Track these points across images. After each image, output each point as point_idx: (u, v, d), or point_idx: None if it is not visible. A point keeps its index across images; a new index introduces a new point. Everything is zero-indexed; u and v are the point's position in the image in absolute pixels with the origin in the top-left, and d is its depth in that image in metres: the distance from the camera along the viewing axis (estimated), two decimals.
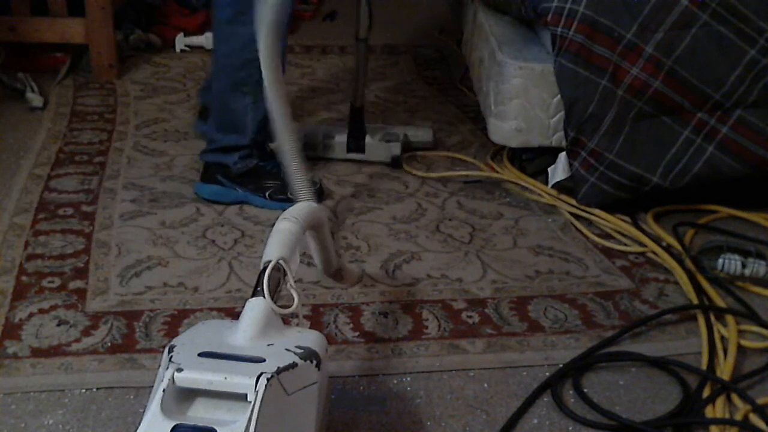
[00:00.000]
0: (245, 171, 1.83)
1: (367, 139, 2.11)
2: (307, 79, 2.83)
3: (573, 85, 1.78)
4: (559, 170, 1.89)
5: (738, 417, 1.24)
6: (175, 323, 1.41)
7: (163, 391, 0.83)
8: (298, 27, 3.46)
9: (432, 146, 2.23)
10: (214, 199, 1.85)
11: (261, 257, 1.08)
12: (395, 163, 2.10)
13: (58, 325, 1.38)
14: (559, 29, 1.77)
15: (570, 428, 1.22)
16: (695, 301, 1.53)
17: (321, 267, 1.53)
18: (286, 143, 1.42)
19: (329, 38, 3.32)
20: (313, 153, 2.10)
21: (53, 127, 2.25)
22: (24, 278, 1.51)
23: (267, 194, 1.83)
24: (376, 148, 2.11)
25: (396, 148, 2.10)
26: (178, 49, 2.98)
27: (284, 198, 1.80)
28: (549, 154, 1.96)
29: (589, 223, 1.85)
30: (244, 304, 0.99)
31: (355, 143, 2.11)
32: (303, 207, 1.21)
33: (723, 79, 1.78)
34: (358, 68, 2.04)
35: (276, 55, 1.35)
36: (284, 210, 1.50)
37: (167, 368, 0.85)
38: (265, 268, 1.03)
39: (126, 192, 1.88)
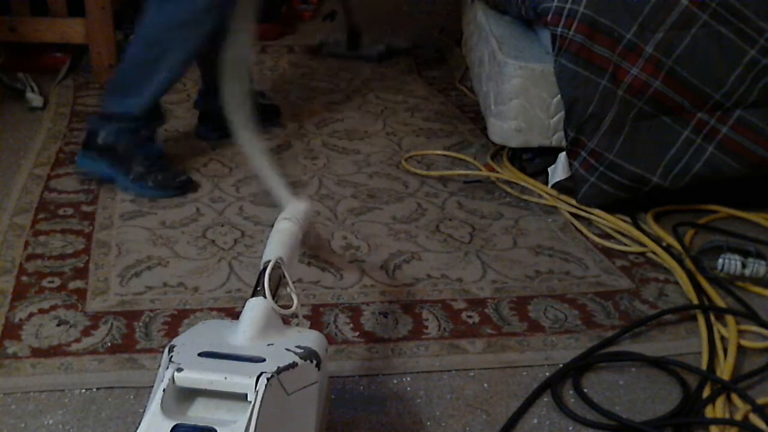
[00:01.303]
0: (110, 145, 1.85)
1: (362, 43, 3.08)
2: (307, 79, 2.83)
3: (573, 85, 1.78)
4: (559, 170, 1.89)
5: (738, 417, 1.24)
6: (175, 323, 1.41)
7: (163, 390, 0.83)
8: (298, 27, 3.46)
9: (409, 51, 3.14)
10: (89, 170, 1.88)
11: (261, 257, 1.08)
12: (380, 58, 3.04)
13: (58, 325, 1.38)
14: (559, 29, 1.77)
15: (570, 428, 1.22)
16: (695, 301, 1.53)
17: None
18: (254, 150, 1.38)
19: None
20: (325, 50, 3.11)
21: (53, 127, 2.25)
22: (24, 278, 1.51)
23: (131, 177, 1.85)
24: (367, 48, 3.07)
25: (381, 48, 3.07)
26: None
27: (144, 184, 1.85)
28: (549, 154, 1.96)
29: (589, 223, 1.85)
30: (244, 304, 0.99)
31: (353, 44, 3.07)
32: (300, 207, 1.20)
33: (723, 79, 1.78)
34: (346, 9, 3.08)
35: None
36: (141, 195, 1.74)
37: (167, 368, 0.85)
38: (265, 268, 1.03)
39: (126, 192, 1.88)
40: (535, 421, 1.23)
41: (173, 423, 0.81)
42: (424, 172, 2.08)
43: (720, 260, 1.60)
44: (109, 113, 1.86)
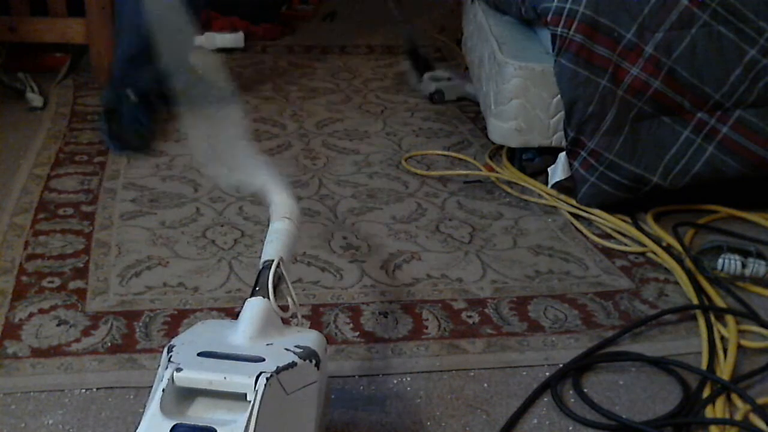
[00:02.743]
0: (105, 109, 2.15)
1: (426, 75, 2.69)
2: (307, 79, 2.83)
3: (573, 85, 1.78)
4: (559, 170, 1.89)
5: (738, 417, 1.24)
6: (175, 323, 1.41)
7: (163, 390, 0.83)
8: (298, 27, 3.46)
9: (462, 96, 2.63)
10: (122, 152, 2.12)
11: (260, 257, 1.08)
12: (432, 98, 2.63)
13: (58, 325, 1.38)
14: (559, 29, 1.77)
15: (570, 428, 1.22)
16: (695, 301, 1.53)
17: None
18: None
19: (329, 38, 3.32)
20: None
21: (53, 127, 2.25)
22: (24, 278, 1.51)
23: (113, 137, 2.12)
24: (426, 83, 2.67)
25: (434, 86, 2.63)
26: None
27: (118, 144, 2.10)
28: (549, 154, 1.96)
29: (589, 223, 1.85)
30: (243, 303, 0.99)
31: (418, 75, 2.73)
32: (292, 204, 1.20)
33: (723, 79, 1.78)
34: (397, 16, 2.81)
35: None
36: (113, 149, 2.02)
37: (167, 368, 0.85)
38: (264, 268, 1.03)
39: (126, 192, 1.88)
40: (535, 421, 1.23)
41: (173, 423, 0.81)
42: (424, 172, 2.09)
43: (720, 260, 1.60)
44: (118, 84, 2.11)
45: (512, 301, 1.54)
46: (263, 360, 0.88)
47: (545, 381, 1.31)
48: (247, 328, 0.95)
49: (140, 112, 2.15)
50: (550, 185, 1.94)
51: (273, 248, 1.08)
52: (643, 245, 1.75)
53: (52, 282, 1.51)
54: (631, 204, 1.87)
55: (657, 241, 1.75)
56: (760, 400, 1.27)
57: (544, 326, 1.47)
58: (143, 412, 0.84)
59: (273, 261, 1.04)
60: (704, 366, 1.36)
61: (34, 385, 1.24)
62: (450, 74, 2.71)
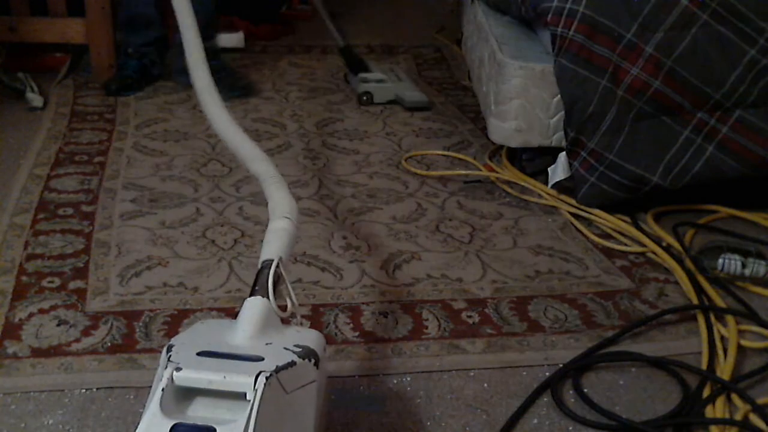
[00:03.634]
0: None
1: (358, 76, 2.65)
2: (307, 79, 2.83)
3: (573, 85, 1.78)
4: (559, 170, 1.90)
5: (738, 417, 1.24)
6: (175, 323, 1.41)
7: (163, 390, 0.83)
8: (298, 27, 3.46)
9: (424, 106, 2.56)
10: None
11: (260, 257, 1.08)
12: (360, 100, 2.59)
13: (58, 325, 1.38)
14: (559, 29, 1.77)
15: (570, 428, 1.22)
16: (695, 301, 1.53)
17: None
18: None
19: (329, 38, 3.32)
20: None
21: (53, 127, 2.25)
22: (24, 278, 1.51)
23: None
24: (357, 84, 2.64)
25: (363, 88, 2.59)
26: None
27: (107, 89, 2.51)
28: (549, 154, 1.96)
29: (589, 223, 1.85)
30: (243, 303, 0.99)
31: (351, 74, 2.71)
32: (292, 204, 1.20)
33: (723, 79, 1.78)
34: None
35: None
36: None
37: (166, 367, 0.85)
38: (263, 268, 1.03)
39: (126, 192, 1.88)
40: (535, 421, 1.23)
41: (172, 422, 0.81)
42: (424, 172, 2.08)
43: (720, 260, 1.60)
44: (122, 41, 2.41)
45: (512, 301, 1.54)
46: (262, 359, 0.88)
47: (545, 381, 1.31)
48: (246, 327, 0.95)
49: (133, 66, 2.55)
50: (550, 185, 1.94)
51: (272, 248, 1.08)
52: (643, 245, 1.75)
53: (52, 282, 1.51)
54: (631, 204, 1.87)
55: (657, 241, 1.75)
56: (760, 400, 1.27)
57: (544, 326, 1.46)
58: (143, 411, 0.84)
59: (272, 261, 1.04)
60: (704, 366, 1.36)
61: (34, 385, 1.24)
62: (383, 76, 2.64)
